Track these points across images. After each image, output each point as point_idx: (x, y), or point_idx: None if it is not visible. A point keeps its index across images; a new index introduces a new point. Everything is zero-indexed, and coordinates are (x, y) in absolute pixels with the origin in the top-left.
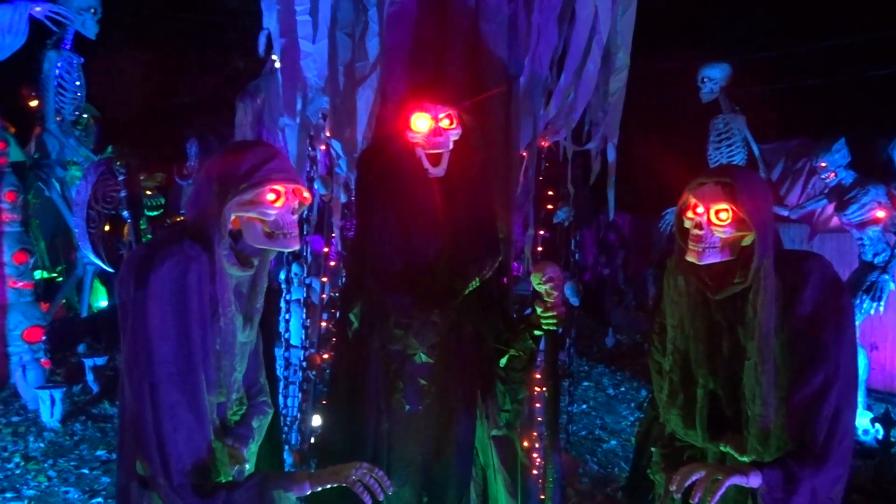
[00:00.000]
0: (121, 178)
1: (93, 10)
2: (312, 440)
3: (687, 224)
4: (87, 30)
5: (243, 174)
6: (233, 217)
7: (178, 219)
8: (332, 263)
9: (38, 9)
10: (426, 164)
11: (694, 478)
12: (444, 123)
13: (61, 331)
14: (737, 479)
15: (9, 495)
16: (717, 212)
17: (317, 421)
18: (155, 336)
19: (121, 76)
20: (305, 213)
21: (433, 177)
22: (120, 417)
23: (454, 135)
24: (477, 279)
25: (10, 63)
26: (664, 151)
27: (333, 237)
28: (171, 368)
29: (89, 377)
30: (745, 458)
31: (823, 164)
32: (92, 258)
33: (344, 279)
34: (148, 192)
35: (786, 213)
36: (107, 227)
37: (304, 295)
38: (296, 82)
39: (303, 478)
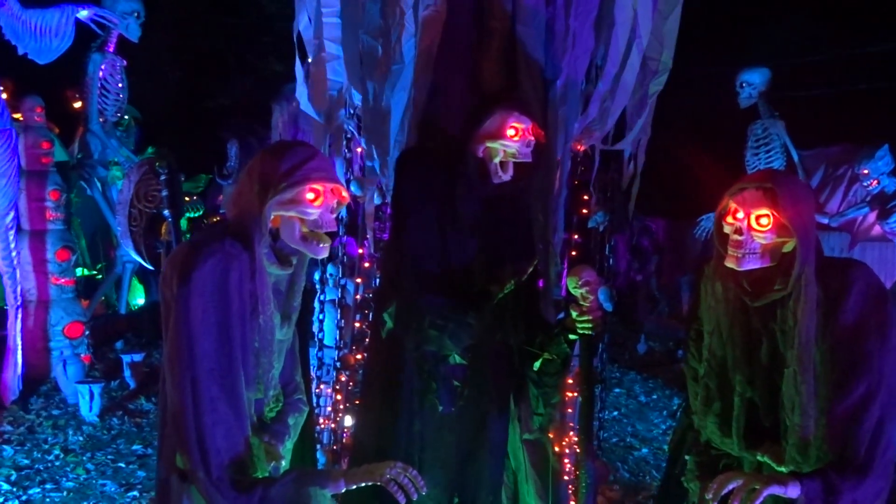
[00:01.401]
0: (163, 177)
1: (136, 14)
2: (345, 439)
3: (727, 229)
4: (130, 33)
5: (283, 173)
6: (273, 216)
7: (216, 219)
8: (367, 265)
9: (84, 13)
10: (499, 171)
11: (731, 486)
12: (531, 135)
13: (104, 327)
14: (775, 489)
15: (49, 486)
16: (757, 217)
17: (349, 420)
18: (197, 332)
19: (160, 78)
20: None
21: (495, 184)
22: (160, 412)
23: (533, 145)
24: (513, 282)
25: (54, 65)
26: (700, 157)
27: (367, 238)
28: (211, 364)
29: (126, 373)
30: (782, 468)
31: (866, 171)
32: (133, 256)
33: (378, 280)
34: (186, 199)
35: (826, 221)
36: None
37: (339, 295)
38: (324, 84)
39: (338, 475)
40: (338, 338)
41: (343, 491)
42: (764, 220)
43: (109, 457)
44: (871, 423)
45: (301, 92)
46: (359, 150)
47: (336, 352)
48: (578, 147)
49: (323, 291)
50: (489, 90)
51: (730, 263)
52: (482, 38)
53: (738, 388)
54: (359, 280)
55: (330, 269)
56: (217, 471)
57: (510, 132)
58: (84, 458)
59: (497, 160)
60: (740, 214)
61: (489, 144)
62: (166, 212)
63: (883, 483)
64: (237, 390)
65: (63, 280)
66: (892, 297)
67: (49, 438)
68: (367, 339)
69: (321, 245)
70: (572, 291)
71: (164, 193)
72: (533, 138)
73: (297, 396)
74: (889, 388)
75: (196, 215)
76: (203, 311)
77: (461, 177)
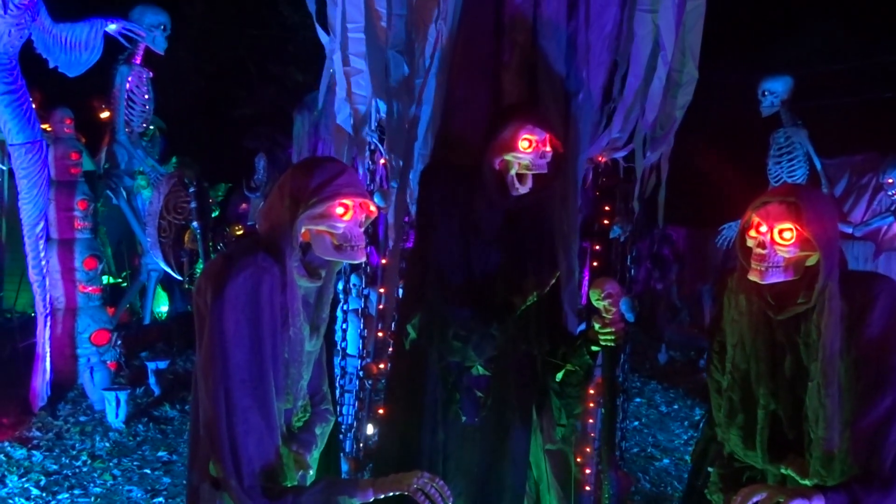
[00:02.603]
0: (192, 189)
1: (163, 27)
2: (367, 447)
3: (750, 243)
4: (156, 45)
5: (314, 189)
6: (303, 230)
7: (238, 228)
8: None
9: (112, 26)
10: (516, 183)
11: (755, 499)
12: (546, 147)
13: (135, 336)
14: (800, 503)
15: (77, 492)
16: (780, 231)
17: (371, 429)
18: (230, 344)
19: (185, 89)
20: None
21: (516, 196)
22: (192, 420)
23: (549, 157)
24: (535, 294)
25: (81, 76)
26: (722, 165)
27: (388, 249)
28: (244, 374)
29: (151, 380)
30: (806, 482)
31: (891, 181)
32: (163, 266)
33: (402, 290)
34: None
35: (850, 231)
36: None
37: (362, 305)
38: (346, 97)
39: (367, 485)
40: (360, 347)
41: (371, 500)
42: (787, 234)
43: (135, 463)
44: None
45: (341, 108)
46: (382, 161)
47: (359, 361)
48: (600, 158)
49: (346, 301)
50: (508, 103)
51: (753, 277)
52: (503, 51)
53: (761, 401)
54: (382, 290)
55: (353, 278)
56: (249, 479)
57: (523, 144)
58: (111, 464)
59: (513, 172)
60: (763, 228)
61: (504, 157)
62: (195, 223)
63: None
64: (268, 400)
65: (90, 288)
66: None
67: (77, 444)
68: (391, 350)
69: (356, 251)
70: (595, 304)
71: (193, 205)
72: (549, 150)
73: (324, 406)
74: None
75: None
76: (236, 323)
77: (481, 189)
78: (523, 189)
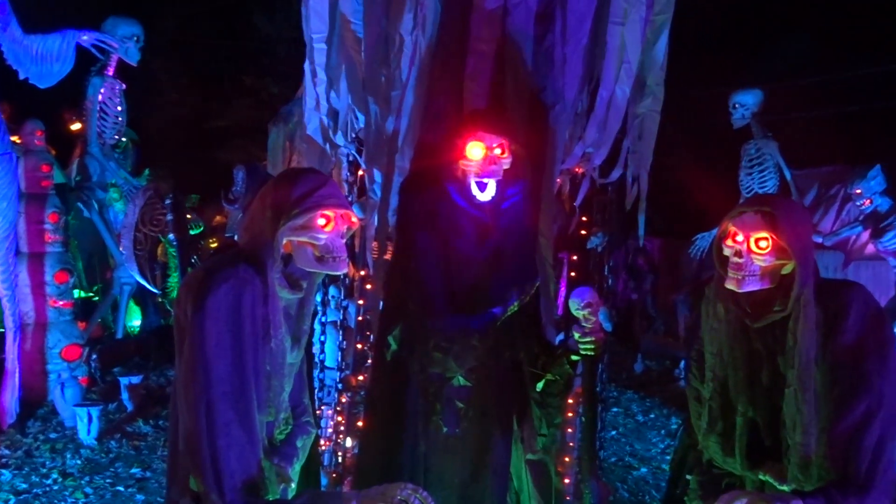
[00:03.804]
0: (167, 202)
1: (136, 38)
2: (346, 461)
3: (726, 252)
4: (129, 57)
5: (295, 200)
6: (285, 241)
7: (213, 241)
8: (369, 287)
9: (85, 37)
10: (475, 191)
11: None
12: (497, 152)
13: (111, 350)
14: None
15: None
16: (756, 240)
17: (350, 442)
18: (211, 356)
19: (158, 101)
20: None
21: (480, 203)
22: (171, 435)
23: (505, 164)
24: (516, 304)
25: (52, 88)
26: (695, 177)
27: (367, 261)
28: (225, 387)
29: (124, 395)
30: (784, 487)
31: (859, 191)
32: (138, 279)
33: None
34: (188, 216)
35: (820, 240)
36: None
37: (341, 317)
38: (315, 107)
39: (350, 497)
40: (339, 359)
41: None
42: (763, 243)
43: (108, 480)
44: (872, 441)
45: (311, 118)
46: (360, 173)
47: (338, 373)
48: (577, 170)
49: (324, 313)
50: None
51: (730, 285)
52: (467, 60)
53: (740, 409)
54: (361, 301)
55: (332, 290)
56: (231, 493)
57: (473, 151)
58: (83, 482)
59: (472, 179)
60: (740, 237)
61: (460, 164)
62: (171, 235)
63: (885, 501)
64: (250, 413)
65: (61, 302)
66: (887, 314)
67: (47, 462)
68: (371, 361)
69: (338, 262)
70: (574, 313)
71: (169, 217)
72: (504, 155)
73: (306, 419)
74: (889, 406)
75: (197, 232)
76: (217, 336)
77: (451, 198)
78: (485, 196)
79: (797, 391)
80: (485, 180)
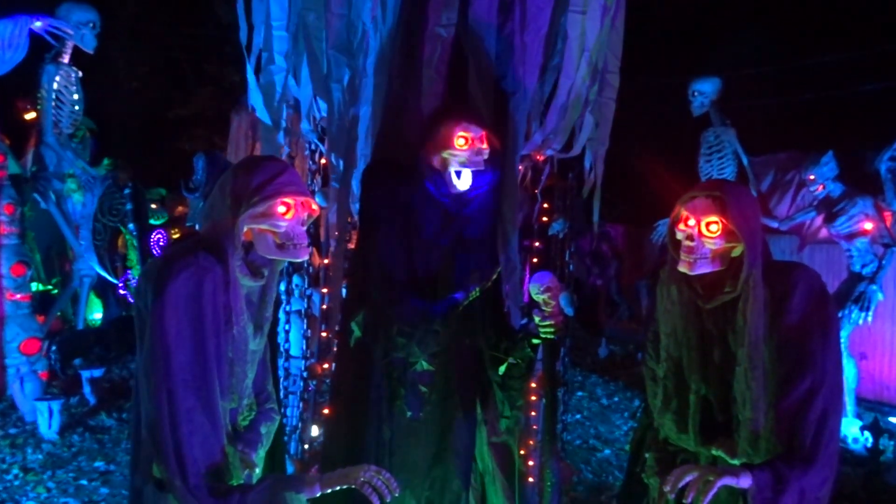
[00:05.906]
0: (126, 191)
1: (92, 25)
2: (313, 448)
3: (679, 236)
4: (85, 44)
5: (255, 188)
6: (245, 229)
7: (173, 230)
8: (331, 274)
9: (38, 24)
10: (453, 180)
11: (687, 479)
12: (480, 144)
13: (70, 342)
14: (728, 480)
15: None
16: (707, 224)
17: (315, 430)
18: (172, 344)
19: (117, 89)
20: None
21: (453, 193)
22: (133, 423)
23: (485, 154)
24: (478, 289)
25: (5, 76)
26: (657, 164)
27: (331, 249)
28: (187, 375)
29: (86, 389)
30: (735, 461)
31: (812, 177)
32: (98, 270)
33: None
34: (153, 206)
35: (775, 225)
36: None
37: (305, 306)
38: (275, 96)
39: (313, 480)
40: (304, 348)
41: (318, 495)
42: (713, 227)
43: (71, 475)
44: (816, 415)
45: (255, 99)
46: (323, 161)
47: (302, 362)
48: (538, 157)
49: (289, 302)
50: (430, 99)
51: (682, 268)
52: (424, 47)
53: (693, 387)
54: (325, 290)
55: (295, 279)
56: (194, 479)
57: (459, 141)
58: (44, 476)
59: (451, 169)
60: (691, 221)
61: (442, 154)
62: (131, 225)
63: (828, 472)
64: (213, 400)
65: (19, 296)
66: (840, 296)
67: (7, 458)
68: (335, 349)
69: (299, 249)
70: (534, 297)
71: (129, 207)
72: (486, 146)
73: (269, 405)
74: (831, 383)
75: (160, 222)
76: (178, 324)
77: (421, 188)
78: (462, 186)
79: (747, 369)
80: (468, 170)
